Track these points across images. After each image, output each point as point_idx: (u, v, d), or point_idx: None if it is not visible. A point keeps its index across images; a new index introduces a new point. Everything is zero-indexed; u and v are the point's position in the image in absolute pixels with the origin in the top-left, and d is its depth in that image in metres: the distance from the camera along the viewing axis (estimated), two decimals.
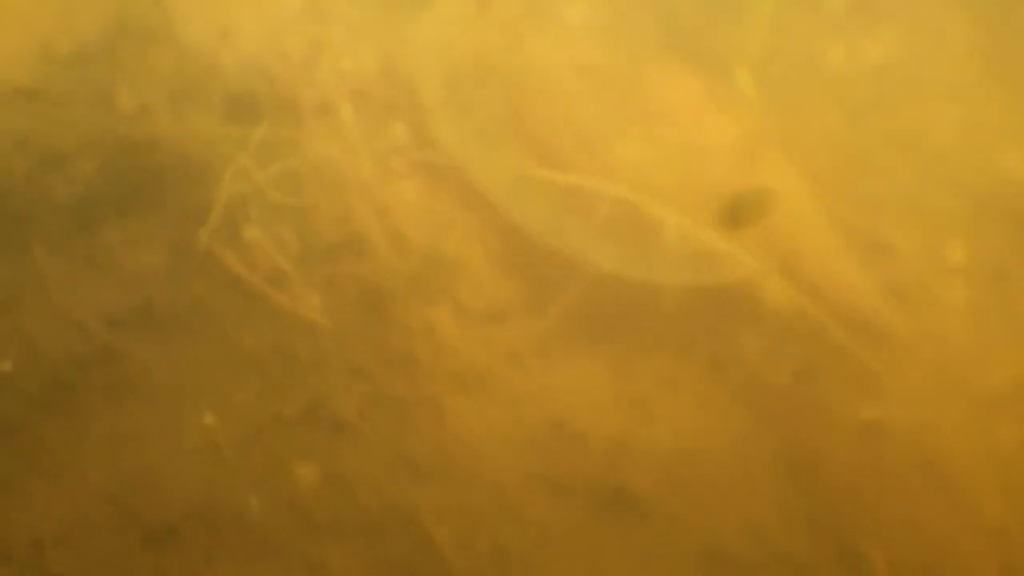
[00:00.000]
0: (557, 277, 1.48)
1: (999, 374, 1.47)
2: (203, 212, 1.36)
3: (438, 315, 1.42)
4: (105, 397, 1.28)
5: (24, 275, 1.35)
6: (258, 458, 1.23)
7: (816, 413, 1.43)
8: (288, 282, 1.34)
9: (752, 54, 1.83)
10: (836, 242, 1.55)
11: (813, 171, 1.66)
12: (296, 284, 1.34)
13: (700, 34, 1.90)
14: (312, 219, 1.41)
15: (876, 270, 1.54)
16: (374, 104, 1.55)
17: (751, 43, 1.84)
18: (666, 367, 1.45)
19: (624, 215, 1.43)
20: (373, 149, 1.50)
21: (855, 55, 1.91)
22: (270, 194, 1.38)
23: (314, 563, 1.20)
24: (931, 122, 1.79)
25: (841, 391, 1.44)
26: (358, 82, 1.56)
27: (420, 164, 1.52)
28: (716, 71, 1.78)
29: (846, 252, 1.55)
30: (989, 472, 1.39)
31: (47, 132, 1.44)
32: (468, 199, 1.51)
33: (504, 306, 1.47)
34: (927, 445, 1.41)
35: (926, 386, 1.45)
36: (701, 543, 1.31)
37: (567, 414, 1.38)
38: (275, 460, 1.24)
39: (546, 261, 1.48)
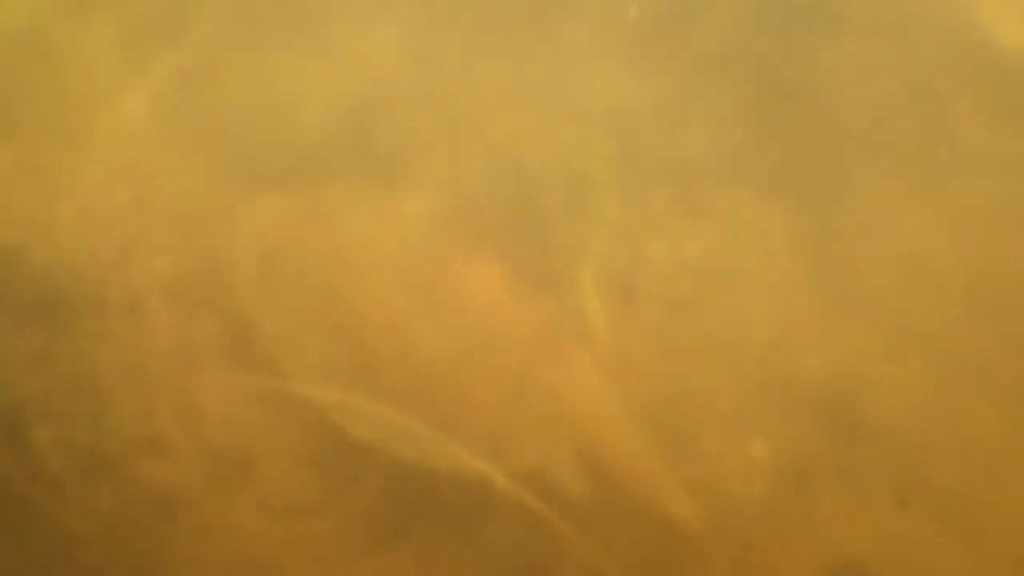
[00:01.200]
0: (360, 469, 1.50)
1: (796, 571, 1.50)
2: None
3: (237, 513, 1.41)
4: None
5: None
6: None
7: None
8: (73, 485, 1.34)
9: (595, 253, 1.89)
10: (636, 434, 1.58)
11: (622, 365, 1.70)
12: (82, 487, 1.34)
13: (540, 230, 1.95)
14: (108, 419, 1.41)
15: (677, 465, 1.57)
16: (186, 299, 1.57)
17: (594, 242, 1.90)
18: (469, 562, 1.45)
19: (417, 411, 1.46)
20: (181, 346, 1.51)
21: (675, 251, 1.98)
22: (63, 394, 1.39)
23: None
24: (745, 320, 1.85)
25: None
26: (172, 277, 1.58)
27: (229, 358, 1.53)
28: (548, 269, 1.83)
29: (646, 445, 1.58)
30: None
31: None
32: (275, 393, 1.53)
33: (306, 500, 1.48)
34: None
35: None
36: None
37: None
38: None
39: (349, 453, 1.50)
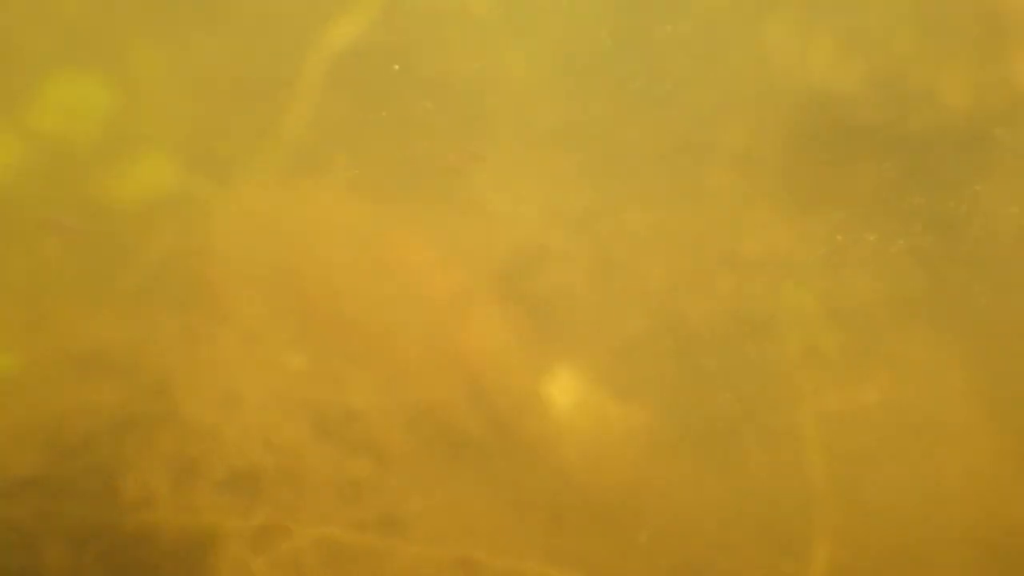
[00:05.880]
0: None
1: None
2: None
3: None
4: None
5: None
6: None
7: None
8: None
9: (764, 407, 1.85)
10: None
11: (827, 525, 1.64)
12: None
13: (705, 384, 1.91)
14: None
15: None
16: (382, 474, 1.56)
17: (763, 395, 1.86)
18: None
19: None
20: (374, 521, 1.49)
21: (850, 399, 1.93)
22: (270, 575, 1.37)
23: None
24: (933, 467, 1.79)
25: None
26: (367, 444, 1.57)
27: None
28: (716, 429, 1.79)
29: None
30: None
31: (46, 526, 1.43)
32: None
33: None
34: None
35: None
36: None
37: None
38: None
39: None
